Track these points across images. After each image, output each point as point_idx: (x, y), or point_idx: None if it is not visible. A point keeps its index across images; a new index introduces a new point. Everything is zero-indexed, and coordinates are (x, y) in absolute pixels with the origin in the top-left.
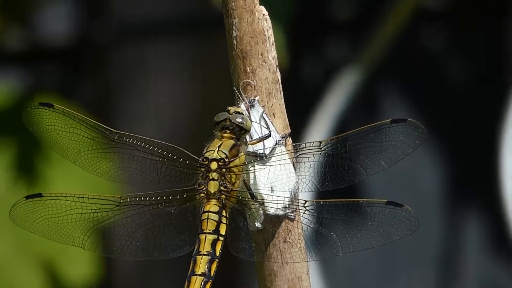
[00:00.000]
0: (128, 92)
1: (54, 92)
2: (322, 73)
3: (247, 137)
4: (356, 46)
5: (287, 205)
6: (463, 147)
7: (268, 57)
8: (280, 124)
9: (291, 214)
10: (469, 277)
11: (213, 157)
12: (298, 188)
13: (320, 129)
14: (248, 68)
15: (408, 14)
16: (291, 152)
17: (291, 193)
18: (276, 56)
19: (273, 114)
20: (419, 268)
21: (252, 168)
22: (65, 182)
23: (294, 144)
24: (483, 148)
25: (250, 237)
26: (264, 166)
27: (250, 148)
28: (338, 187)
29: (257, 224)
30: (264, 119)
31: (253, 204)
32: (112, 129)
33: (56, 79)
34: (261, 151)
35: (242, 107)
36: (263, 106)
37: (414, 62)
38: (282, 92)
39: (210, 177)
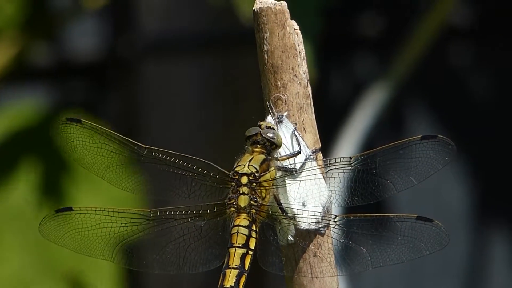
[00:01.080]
0: (154, 107)
1: (80, 108)
2: (350, 89)
3: (277, 152)
4: (383, 63)
5: (319, 219)
6: (489, 165)
7: (299, 71)
8: (310, 139)
9: (322, 228)
10: None
11: (244, 172)
12: (330, 202)
13: (347, 145)
14: (279, 83)
15: (435, 31)
16: (322, 167)
17: (324, 208)
18: (307, 71)
19: (304, 129)
20: (445, 285)
21: (282, 183)
22: (91, 202)
23: (324, 159)
24: (510, 165)
25: (280, 252)
26: (295, 181)
27: (280, 164)
28: (368, 203)
29: (288, 238)
30: (295, 135)
31: (284, 218)
32: (141, 144)
33: (83, 95)
34: (292, 166)
35: (269, 119)
36: (294, 122)
37: (441, 79)
38: (312, 107)
39: (241, 192)
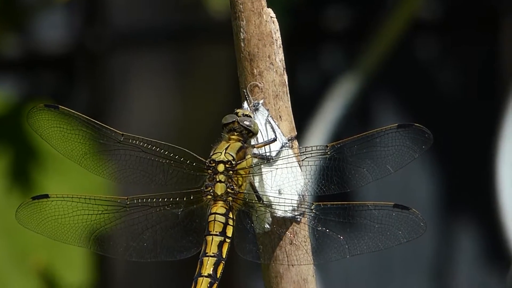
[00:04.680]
0: (120, 99)
1: (49, 99)
2: (319, 82)
3: (253, 140)
4: (352, 55)
5: (295, 207)
6: (457, 158)
7: (275, 59)
8: (286, 126)
9: (298, 216)
10: (462, 285)
11: (220, 159)
12: (306, 190)
13: (317, 136)
14: (255, 71)
15: (403, 24)
16: (298, 155)
17: (299, 196)
18: (283, 59)
19: (280, 117)
20: (412, 277)
21: (258, 171)
22: (60, 189)
23: (300, 147)
24: (478, 158)
25: (256, 239)
26: (271, 169)
27: (257, 151)
28: (345, 191)
29: (265, 226)
30: (270, 122)
31: (260, 206)
32: (118, 131)
33: (51, 86)
34: (268, 154)
35: (245, 106)
36: (268, 109)
37: (408, 72)
38: (288, 95)
39: (217, 179)
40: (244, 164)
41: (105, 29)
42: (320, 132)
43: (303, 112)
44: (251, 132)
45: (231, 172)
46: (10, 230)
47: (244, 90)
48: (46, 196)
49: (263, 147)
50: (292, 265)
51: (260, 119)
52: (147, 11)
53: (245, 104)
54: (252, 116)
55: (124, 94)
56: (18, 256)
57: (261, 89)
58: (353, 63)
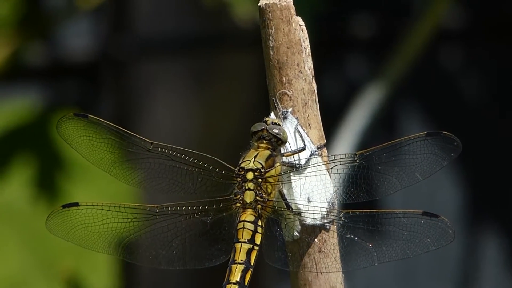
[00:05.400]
0: (145, 107)
1: (74, 107)
2: (344, 90)
3: (282, 148)
4: (377, 64)
5: (324, 215)
6: (483, 166)
7: (304, 67)
8: (315, 134)
9: (327, 224)
10: None
11: (249, 167)
12: (335, 198)
13: (343, 145)
14: (284, 79)
15: (429, 33)
16: (327, 163)
17: (329, 203)
18: (312, 67)
19: (309, 125)
20: (437, 285)
21: (288, 179)
22: (87, 198)
23: (329, 155)
24: (504, 167)
25: (285, 247)
26: (300, 177)
27: (286, 159)
28: (373, 199)
29: (294, 234)
30: (299, 130)
31: (289, 214)
32: (148, 140)
33: (76, 94)
34: (297, 162)
35: (272, 116)
36: (297, 117)
37: (434, 80)
38: (317, 103)
39: (246, 187)
40: (273, 172)
41: (130, 37)
42: (346, 140)
43: (329, 121)
44: (280, 140)
45: (260, 180)
46: (37, 238)
47: (273, 98)
48: (76, 204)
49: (292, 156)
50: (321, 273)
51: (289, 127)
52: (172, 20)
53: (272, 114)
54: (281, 124)
55: (148, 102)
56: (45, 263)
57: (290, 97)
58: (379, 72)
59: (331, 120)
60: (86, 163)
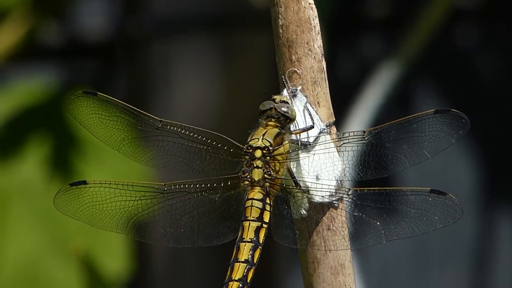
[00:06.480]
0: (161, 86)
1: (89, 86)
2: (358, 69)
3: (291, 126)
4: (392, 43)
5: (332, 192)
6: (498, 145)
7: (313, 46)
8: (324, 112)
9: (336, 202)
10: (502, 275)
11: (258, 145)
12: (344, 176)
13: (357, 123)
14: (293, 57)
15: (443, 12)
16: (336, 141)
17: (337, 181)
18: (321, 45)
19: (318, 103)
20: (452, 265)
21: (296, 156)
22: (99, 176)
23: (337, 133)
24: None
25: (293, 225)
26: (309, 155)
27: (294, 137)
28: (381, 176)
29: (302, 212)
30: (308, 109)
31: (297, 192)
32: (156, 117)
33: (91, 73)
34: (305, 140)
35: (285, 93)
36: (306, 95)
37: (448, 59)
38: (327, 81)
39: (255, 165)
40: (281, 150)
41: (146, 16)
42: (360, 119)
43: (343, 100)
44: (288, 118)
45: (268, 158)
46: (51, 217)
47: (283, 77)
48: (84, 182)
49: (301, 133)
50: (330, 251)
51: (298, 105)
52: None
53: (285, 91)
54: (290, 102)
55: (164, 81)
56: (58, 243)
57: (300, 75)
58: (393, 50)
59: (346, 98)
60: (100, 143)
